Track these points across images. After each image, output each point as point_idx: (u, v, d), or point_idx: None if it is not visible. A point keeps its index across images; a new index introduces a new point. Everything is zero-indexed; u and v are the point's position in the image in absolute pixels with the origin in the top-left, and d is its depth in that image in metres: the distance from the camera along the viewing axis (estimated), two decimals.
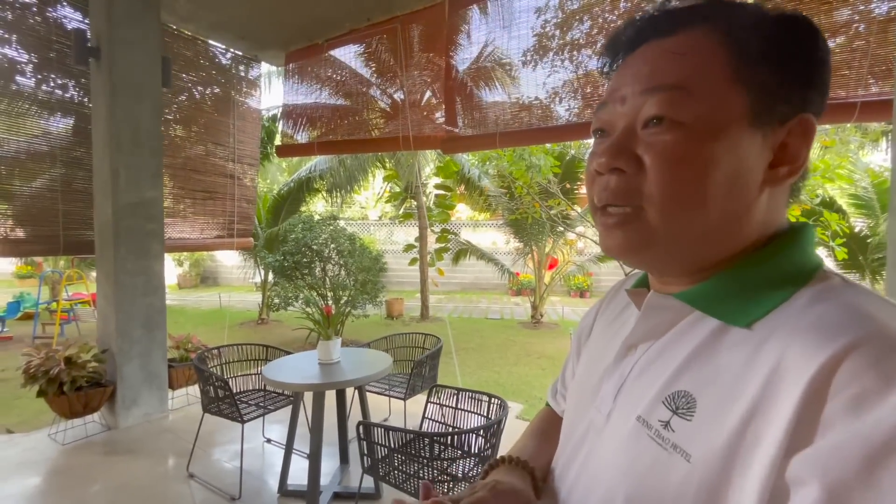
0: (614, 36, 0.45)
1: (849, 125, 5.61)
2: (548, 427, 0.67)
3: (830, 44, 2.17)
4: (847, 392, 0.29)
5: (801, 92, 0.38)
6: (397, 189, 10.24)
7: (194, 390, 3.57)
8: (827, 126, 5.80)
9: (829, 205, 5.90)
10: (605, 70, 0.46)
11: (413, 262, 9.06)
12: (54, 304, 7.69)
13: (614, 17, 2.84)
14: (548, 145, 6.06)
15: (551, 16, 3.01)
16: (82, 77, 3.35)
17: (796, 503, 0.29)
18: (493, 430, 1.78)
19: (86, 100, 3.41)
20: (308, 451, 2.16)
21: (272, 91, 11.50)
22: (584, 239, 8.38)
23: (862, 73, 2.04)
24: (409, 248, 9.01)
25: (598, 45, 2.89)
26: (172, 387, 3.45)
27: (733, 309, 0.38)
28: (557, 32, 3.00)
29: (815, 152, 8.29)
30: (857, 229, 6.08)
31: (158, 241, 3.28)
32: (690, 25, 0.39)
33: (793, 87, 0.38)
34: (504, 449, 2.01)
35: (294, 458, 2.44)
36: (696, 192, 0.38)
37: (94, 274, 7.82)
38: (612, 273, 11.45)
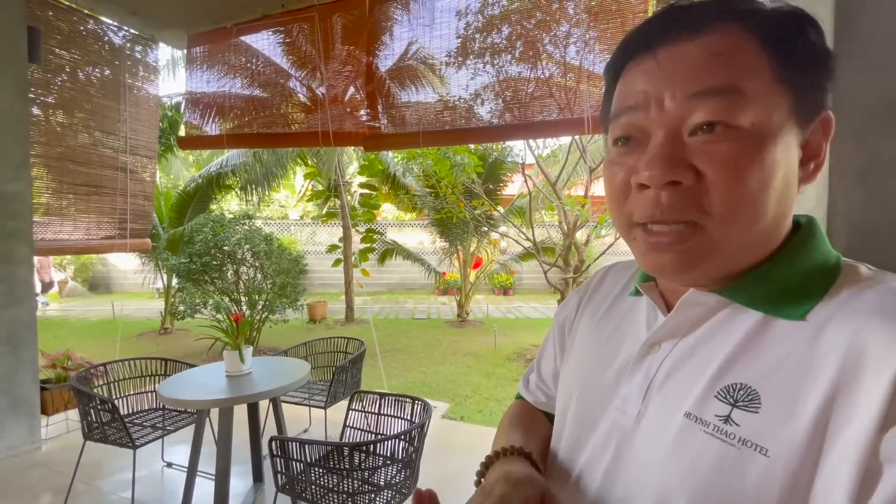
0: (631, 35, 0.41)
1: None
2: (527, 419, 0.64)
3: None
4: None
5: (824, 89, 0.38)
6: (319, 187, 9.84)
7: (76, 415, 3.11)
8: None
9: None
10: (611, 71, 0.43)
11: (337, 263, 8.74)
12: None
13: (531, 26, 2.95)
14: (471, 146, 6.18)
15: (472, 19, 3.05)
16: None
17: (890, 478, 0.29)
18: (415, 434, 1.74)
19: None
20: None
21: (176, 77, 10.48)
22: (507, 238, 8.70)
23: None
24: (332, 248, 8.67)
25: (517, 51, 2.98)
26: (47, 412, 2.97)
27: (780, 302, 0.38)
28: (479, 35, 3.05)
29: None
30: None
31: (24, 242, 2.80)
32: (721, 23, 0.37)
33: (818, 84, 0.38)
34: (430, 451, 1.99)
35: (200, 481, 2.21)
36: (760, 201, 0.36)
37: None
38: (533, 271, 12.02)
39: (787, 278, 0.39)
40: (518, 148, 7.78)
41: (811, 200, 0.99)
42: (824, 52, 0.38)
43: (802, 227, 0.42)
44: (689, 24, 0.37)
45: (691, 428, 0.38)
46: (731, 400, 0.36)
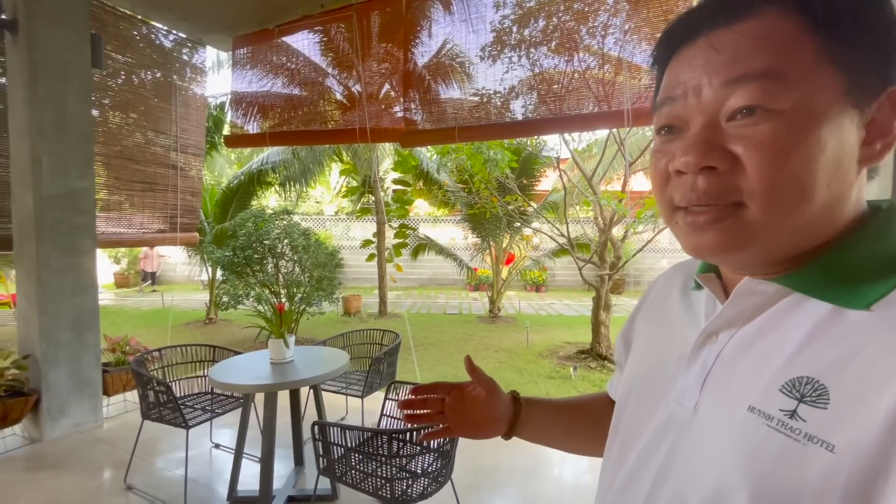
0: (673, 25, 0.42)
1: None
2: (592, 404, 0.72)
3: None
4: None
5: (887, 62, 0.36)
6: (354, 183, 10.04)
7: (133, 396, 3.33)
8: None
9: None
10: (658, 62, 0.44)
11: (371, 257, 8.92)
12: None
13: (568, 17, 2.90)
14: (505, 141, 6.14)
15: (509, 11, 3.03)
16: None
17: None
18: None
19: (3, 80, 3.07)
20: (260, 455, 2.06)
21: (221, 77, 10.94)
22: (540, 234, 8.58)
23: None
24: (366, 243, 8.86)
25: (553, 43, 2.93)
26: (108, 393, 3.20)
27: (847, 291, 0.36)
28: (515, 28, 3.03)
29: None
30: None
31: (89, 235, 3.01)
32: (761, 8, 0.37)
33: (879, 59, 0.36)
34: (463, 442, 2.01)
35: (245, 462, 2.33)
36: (803, 182, 0.35)
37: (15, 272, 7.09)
38: (567, 268, 11.82)
39: (853, 265, 0.37)
40: (553, 142, 7.66)
41: (874, 190, 0.94)
42: (885, 24, 0.36)
43: (881, 212, 0.39)
44: (730, 11, 0.37)
45: (755, 422, 0.36)
46: (797, 394, 0.35)
